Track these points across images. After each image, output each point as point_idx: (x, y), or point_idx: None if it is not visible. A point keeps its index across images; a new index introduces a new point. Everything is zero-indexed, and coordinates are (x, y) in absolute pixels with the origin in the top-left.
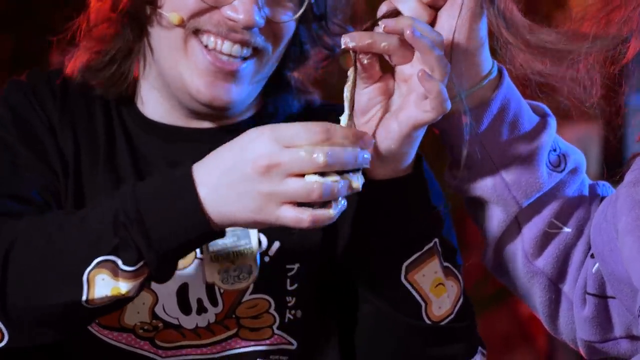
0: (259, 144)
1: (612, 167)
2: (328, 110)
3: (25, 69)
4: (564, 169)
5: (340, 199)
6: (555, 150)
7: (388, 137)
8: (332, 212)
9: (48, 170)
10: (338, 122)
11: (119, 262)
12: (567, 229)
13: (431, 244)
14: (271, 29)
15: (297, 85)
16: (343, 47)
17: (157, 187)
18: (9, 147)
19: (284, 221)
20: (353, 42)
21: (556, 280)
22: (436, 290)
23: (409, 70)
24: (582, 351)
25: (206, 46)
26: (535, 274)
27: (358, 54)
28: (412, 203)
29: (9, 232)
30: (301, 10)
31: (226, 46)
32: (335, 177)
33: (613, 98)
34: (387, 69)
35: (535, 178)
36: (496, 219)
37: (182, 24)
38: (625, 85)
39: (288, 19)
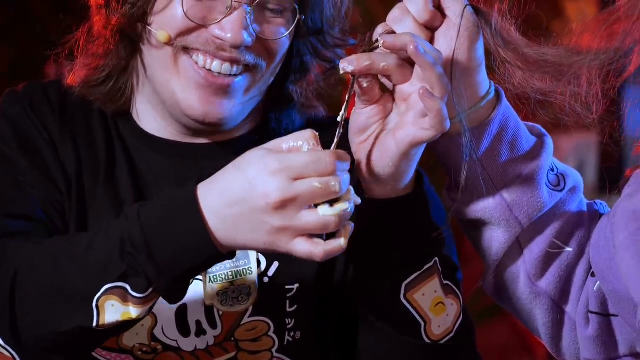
0: (269, 179)
1: (610, 176)
2: (329, 124)
3: (23, 80)
4: (563, 188)
5: (350, 224)
6: (553, 170)
7: (385, 155)
8: (342, 243)
9: (51, 185)
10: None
11: (128, 287)
12: (568, 249)
13: (431, 263)
14: (263, 45)
15: (301, 100)
16: (342, 72)
17: (162, 214)
18: (11, 163)
19: (297, 254)
20: (351, 66)
21: (559, 301)
22: (436, 309)
23: (408, 89)
24: None
25: (196, 63)
26: (538, 295)
27: (357, 77)
28: (411, 223)
29: (14, 259)
30: (292, 27)
31: (215, 65)
32: (345, 205)
33: (612, 109)
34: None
35: (537, 197)
36: (497, 240)
37: (170, 42)
38: (626, 98)
39: (279, 36)
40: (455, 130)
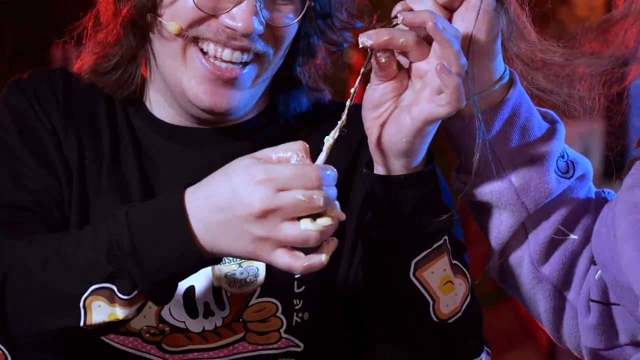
0: (254, 188)
1: (615, 163)
2: (335, 109)
3: (28, 62)
4: (572, 176)
5: (334, 239)
6: (563, 157)
7: (399, 131)
8: (324, 259)
9: (51, 176)
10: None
11: (115, 289)
12: (573, 236)
13: (441, 242)
14: (271, 32)
15: (308, 82)
16: (360, 46)
17: (150, 218)
18: (11, 153)
19: (277, 265)
20: (370, 40)
21: (561, 288)
22: (444, 287)
23: (425, 67)
24: (587, 359)
25: (206, 53)
26: (540, 281)
27: (375, 52)
28: (422, 199)
29: (5, 257)
30: (301, 15)
31: (226, 53)
32: (329, 220)
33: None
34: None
35: (544, 184)
36: (503, 224)
37: (180, 33)
38: (627, 100)
39: (288, 23)
40: (468, 111)
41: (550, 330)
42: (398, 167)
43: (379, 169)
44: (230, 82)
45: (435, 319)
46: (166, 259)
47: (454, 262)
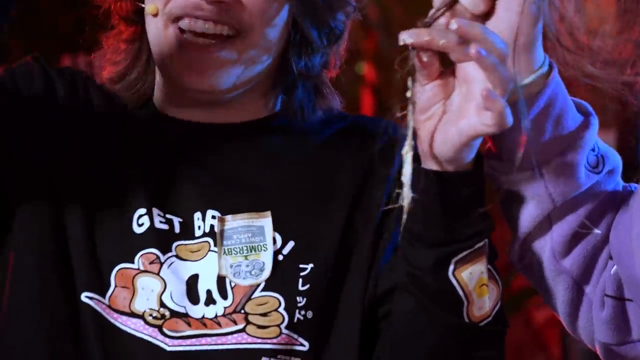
0: None
1: (628, 169)
2: (353, 120)
3: None
4: (601, 170)
5: None
6: (594, 150)
7: (447, 141)
8: None
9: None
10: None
11: None
12: (597, 231)
13: (482, 244)
14: (242, 6)
15: (310, 79)
16: (401, 43)
17: None
18: None
19: None
20: (411, 39)
21: (580, 281)
22: (479, 290)
23: (471, 71)
24: (599, 353)
25: (184, 32)
26: (560, 273)
27: (417, 50)
28: (470, 198)
29: None
30: None
31: (199, 25)
32: None
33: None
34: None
35: (574, 178)
36: (529, 214)
37: (157, 13)
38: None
39: None
40: (510, 98)
41: (565, 322)
42: (449, 167)
43: (429, 165)
44: (208, 59)
45: (467, 319)
46: None
47: (488, 266)
